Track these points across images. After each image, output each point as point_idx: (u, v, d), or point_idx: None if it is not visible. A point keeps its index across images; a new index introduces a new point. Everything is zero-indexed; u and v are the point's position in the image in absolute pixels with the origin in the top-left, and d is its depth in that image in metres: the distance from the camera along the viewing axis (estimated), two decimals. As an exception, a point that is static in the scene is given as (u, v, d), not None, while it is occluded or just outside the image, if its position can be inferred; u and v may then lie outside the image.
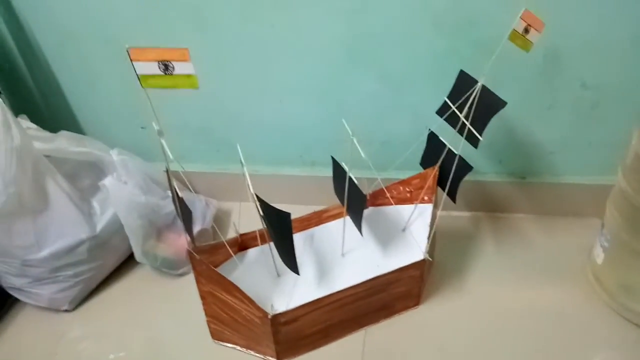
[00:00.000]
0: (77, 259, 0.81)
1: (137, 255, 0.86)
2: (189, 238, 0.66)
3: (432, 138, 0.75)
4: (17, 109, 0.87)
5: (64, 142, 0.83)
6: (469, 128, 0.67)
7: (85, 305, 0.86)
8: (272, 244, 0.73)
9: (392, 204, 0.82)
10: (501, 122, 0.84)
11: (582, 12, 0.71)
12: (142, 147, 0.98)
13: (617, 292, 0.73)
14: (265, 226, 0.68)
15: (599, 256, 0.75)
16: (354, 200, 0.68)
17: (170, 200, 0.91)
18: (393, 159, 0.79)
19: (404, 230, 0.79)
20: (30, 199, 0.75)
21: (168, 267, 0.88)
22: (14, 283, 0.80)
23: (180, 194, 0.59)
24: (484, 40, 0.75)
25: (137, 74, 0.49)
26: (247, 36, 0.82)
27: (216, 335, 0.76)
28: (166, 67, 0.48)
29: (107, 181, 0.80)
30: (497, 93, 0.62)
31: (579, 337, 0.74)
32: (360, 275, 0.70)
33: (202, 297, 0.71)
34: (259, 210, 0.63)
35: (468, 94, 0.66)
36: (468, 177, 0.71)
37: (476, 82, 0.65)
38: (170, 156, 0.53)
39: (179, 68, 0.48)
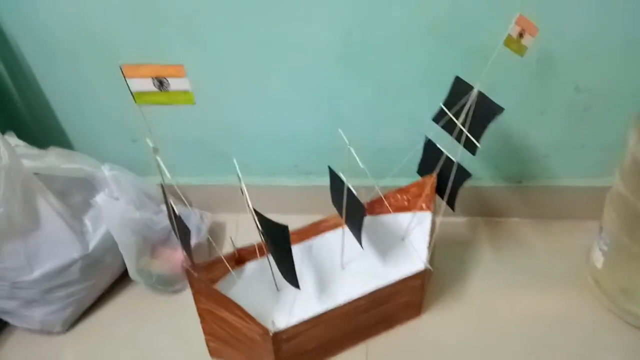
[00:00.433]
0: (69, 279, 0.79)
1: (132, 273, 0.84)
2: (187, 256, 0.64)
3: (429, 145, 0.74)
4: (4, 126, 0.85)
5: (53, 159, 0.81)
6: (466, 135, 0.66)
7: (78, 326, 0.84)
8: (270, 257, 0.71)
9: (390, 213, 0.81)
10: (496, 127, 0.83)
11: (575, 16, 0.71)
12: (134, 160, 0.97)
13: (617, 296, 0.73)
14: (263, 240, 0.67)
15: (599, 260, 0.75)
16: (353, 211, 0.67)
17: (164, 215, 0.89)
18: (389, 167, 0.78)
19: (403, 239, 0.78)
20: (20, 218, 0.73)
21: (163, 284, 0.86)
22: (4, 306, 0.78)
23: (177, 212, 0.58)
24: (478, 47, 0.75)
25: (130, 91, 0.47)
26: (242, 48, 0.81)
27: (215, 353, 0.75)
28: (161, 83, 0.46)
29: (99, 198, 0.78)
30: (491, 98, 0.62)
31: (580, 342, 0.73)
32: (361, 287, 0.69)
33: (201, 315, 0.69)
34: (257, 225, 0.62)
35: (464, 100, 0.66)
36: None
37: (472, 88, 0.65)
38: (168, 174, 0.51)
39: (175, 84, 0.46)
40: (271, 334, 0.63)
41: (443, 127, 0.71)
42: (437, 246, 0.85)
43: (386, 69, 0.81)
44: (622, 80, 0.77)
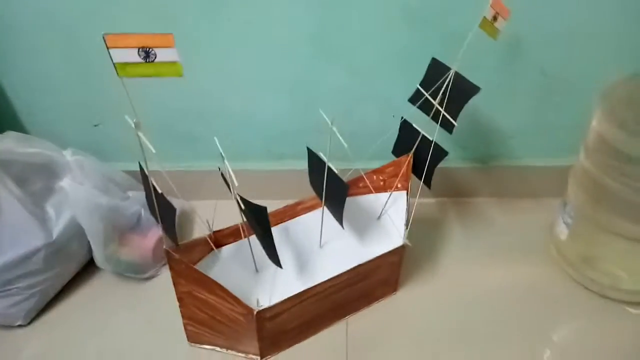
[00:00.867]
0: (32, 268, 0.75)
1: (99, 261, 0.80)
2: (169, 237, 0.62)
3: (405, 126, 0.76)
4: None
5: (10, 143, 0.76)
6: (443, 114, 0.68)
7: (42, 318, 0.80)
8: (251, 239, 0.71)
9: (366, 193, 0.82)
10: (465, 109, 0.86)
11: (541, 3, 0.74)
12: (95, 146, 0.92)
13: (580, 265, 0.78)
14: (244, 221, 0.66)
15: (563, 232, 0.79)
16: (334, 191, 0.67)
17: (131, 201, 0.86)
18: (363, 150, 0.79)
19: (379, 218, 0.80)
20: (-24, 206, 0.68)
21: (133, 272, 0.83)
22: (-40, 300, 0.73)
23: (159, 191, 0.56)
24: (451, 31, 0.76)
25: (113, 62, 0.45)
26: (211, 30, 0.78)
27: (193, 338, 0.73)
28: (147, 54, 0.45)
29: (65, 182, 0.74)
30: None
31: (546, 309, 0.78)
32: (340, 265, 0.69)
33: (180, 299, 0.67)
34: (240, 205, 0.61)
35: (441, 80, 0.67)
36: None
37: (448, 69, 0.67)
38: (153, 149, 0.49)
39: (162, 55, 0.45)
40: (255, 313, 0.63)
41: (419, 107, 0.72)
42: (410, 226, 0.87)
43: (358, 52, 0.81)
44: (584, 65, 0.81)
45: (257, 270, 0.72)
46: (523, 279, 0.82)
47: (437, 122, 0.69)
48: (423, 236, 0.90)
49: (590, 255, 0.78)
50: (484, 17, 0.63)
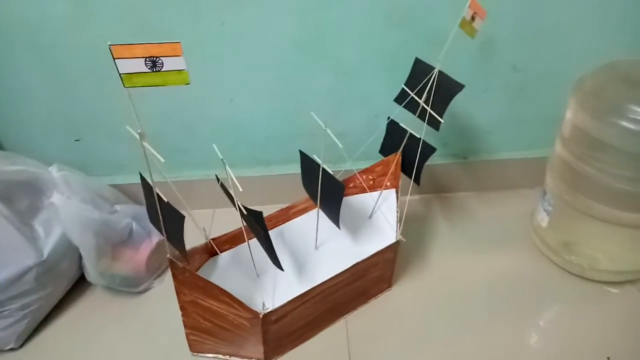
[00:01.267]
0: (23, 289, 0.73)
1: (92, 277, 0.79)
2: (175, 246, 0.62)
3: (392, 125, 0.78)
4: None
5: (-7, 161, 0.74)
6: (429, 112, 0.71)
7: (34, 339, 0.77)
8: (251, 244, 0.71)
9: (356, 193, 0.84)
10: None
11: (512, 2, 0.78)
12: (77, 161, 0.91)
13: (560, 250, 0.82)
14: (245, 226, 0.67)
15: (543, 220, 0.83)
16: (330, 192, 0.69)
17: (119, 215, 0.85)
18: (350, 151, 0.81)
19: (370, 217, 0.82)
20: (-36, 227, 0.66)
21: (128, 286, 0.82)
22: (-51, 326, 0.70)
23: (165, 200, 0.56)
24: (432, 32, 0.80)
25: (119, 73, 0.45)
26: (196, 35, 0.79)
27: (195, 347, 0.73)
28: (154, 63, 0.45)
29: (55, 198, 0.73)
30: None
31: (530, 293, 0.82)
32: (337, 265, 0.71)
33: (182, 308, 0.67)
34: (241, 210, 0.62)
35: (426, 79, 0.70)
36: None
37: (432, 68, 0.70)
38: (162, 159, 0.49)
39: (169, 64, 0.45)
40: (261, 316, 0.63)
41: (405, 107, 0.75)
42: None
43: (343, 55, 0.83)
44: (552, 61, 0.86)
45: (257, 276, 0.73)
46: (508, 267, 0.86)
47: (424, 120, 0.72)
48: (411, 233, 0.93)
49: (569, 240, 0.82)
50: (463, 17, 0.67)
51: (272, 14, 0.78)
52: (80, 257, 0.80)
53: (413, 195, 1.01)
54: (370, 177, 0.84)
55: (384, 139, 0.81)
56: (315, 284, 0.69)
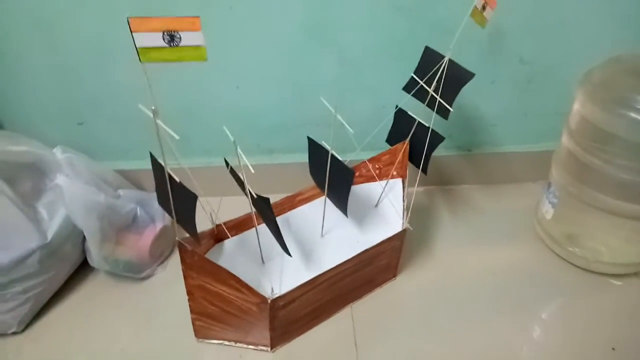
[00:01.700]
0: (26, 272, 0.72)
1: (96, 261, 0.78)
2: (185, 228, 0.61)
3: (400, 114, 0.78)
4: None
5: (-2, 142, 0.73)
6: (438, 101, 0.71)
7: (37, 323, 0.77)
8: (259, 230, 0.71)
9: (362, 182, 0.84)
10: (451, 99, 0.90)
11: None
12: (80, 145, 0.90)
13: (564, 242, 0.83)
14: (254, 212, 0.67)
15: (548, 212, 0.84)
16: (339, 179, 0.68)
17: (124, 199, 0.84)
18: (357, 139, 0.81)
19: (376, 206, 0.82)
20: (-32, 207, 0.66)
21: (131, 271, 0.81)
22: (-50, 308, 0.69)
23: (177, 180, 0.55)
24: (439, 21, 0.80)
25: (136, 47, 0.45)
26: (203, 18, 0.78)
27: (201, 333, 0.72)
28: (172, 38, 0.45)
29: (60, 180, 0.72)
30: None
31: (534, 285, 0.82)
32: (343, 253, 0.70)
33: (189, 293, 0.67)
34: (252, 196, 0.61)
35: (436, 68, 0.70)
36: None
37: (442, 57, 0.70)
38: (176, 136, 0.49)
39: (187, 39, 0.45)
40: (269, 301, 0.63)
41: (414, 95, 0.75)
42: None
43: (349, 42, 0.83)
44: (559, 54, 0.86)
45: (263, 262, 0.72)
46: (512, 259, 0.86)
47: (433, 109, 0.72)
48: (416, 223, 0.92)
49: (574, 233, 0.83)
50: (475, 6, 0.67)
51: (280, 1, 0.77)
52: (83, 241, 0.80)
53: (418, 187, 1.01)
54: (377, 165, 0.83)
55: (392, 127, 0.81)
56: (323, 271, 0.69)
